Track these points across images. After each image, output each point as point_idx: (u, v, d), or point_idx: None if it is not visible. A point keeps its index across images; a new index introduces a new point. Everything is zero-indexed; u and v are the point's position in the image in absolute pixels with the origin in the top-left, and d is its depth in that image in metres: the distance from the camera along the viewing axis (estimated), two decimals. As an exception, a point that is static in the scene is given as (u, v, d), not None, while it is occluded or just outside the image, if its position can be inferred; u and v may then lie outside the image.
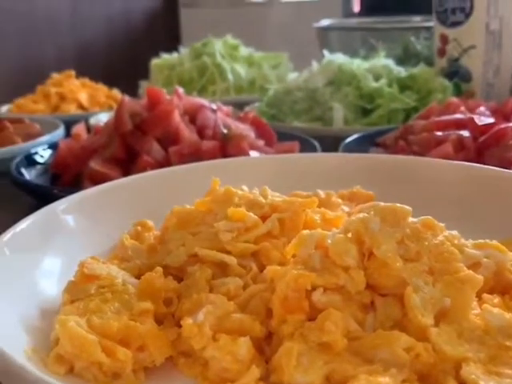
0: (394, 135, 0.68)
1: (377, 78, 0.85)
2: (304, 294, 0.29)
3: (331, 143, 0.67)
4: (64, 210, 0.41)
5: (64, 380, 0.26)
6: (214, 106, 0.66)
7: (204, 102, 0.66)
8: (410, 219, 0.31)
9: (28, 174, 0.63)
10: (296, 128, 0.79)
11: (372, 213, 0.31)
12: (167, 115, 0.60)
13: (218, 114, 0.63)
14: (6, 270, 0.32)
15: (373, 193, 0.45)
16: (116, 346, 0.28)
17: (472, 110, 0.63)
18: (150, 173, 0.49)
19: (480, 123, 0.57)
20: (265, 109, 0.90)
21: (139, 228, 0.41)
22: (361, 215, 0.31)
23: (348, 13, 2.54)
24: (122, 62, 2.62)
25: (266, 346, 0.30)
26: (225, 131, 0.60)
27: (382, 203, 0.32)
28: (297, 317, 0.29)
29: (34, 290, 0.33)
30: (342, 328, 0.28)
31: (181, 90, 0.67)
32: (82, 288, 0.32)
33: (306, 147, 0.67)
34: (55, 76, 1.12)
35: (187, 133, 0.60)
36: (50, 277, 0.34)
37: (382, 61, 0.90)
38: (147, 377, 0.29)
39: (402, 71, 0.88)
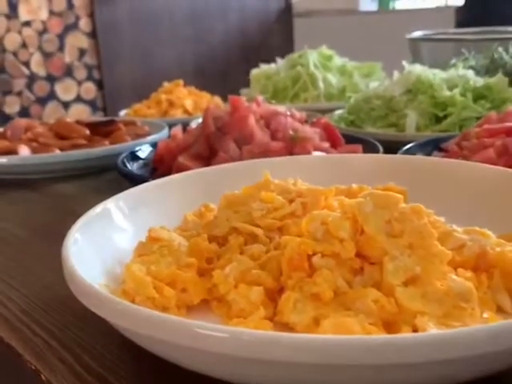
0: (454, 141, 0.74)
1: (452, 88, 0.90)
2: (305, 257, 0.37)
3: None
4: (148, 190, 0.52)
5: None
6: (288, 113, 0.75)
7: (279, 108, 0.76)
8: (401, 205, 0.39)
9: (131, 167, 0.75)
10: (369, 133, 0.87)
11: (367, 198, 0.38)
12: (244, 119, 0.70)
13: (289, 120, 0.72)
14: (98, 231, 0.44)
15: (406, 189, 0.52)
16: (164, 286, 0.38)
17: (528, 119, 0.67)
18: (220, 166, 0.59)
19: (527, 131, 0.61)
20: (345, 115, 0.98)
21: (203, 208, 0.51)
22: (358, 199, 0.38)
23: (460, 22, 2.51)
24: (237, 72, 2.76)
25: (277, 296, 0.38)
26: (292, 134, 0.69)
27: (379, 191, 0.39)
28: (299, 274, 0.37)
29: (116, 246, 0.44)
30: (331, 283, 0.36)
31: (260, 98, 0.77)
32: (148, 247, 0.42)
33: (371, 150, 0.74)
34: (166, 85, 1.27)
35: (260, 135, 0.70)
36: (131, 239, 0.45)
37: (461, 71, 0.94)
38: (188, 313, 0.39)
39: (479, 81, 0.92)
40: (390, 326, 0.34)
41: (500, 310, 0.37)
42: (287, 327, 0.35)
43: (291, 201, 0.44)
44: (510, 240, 0.40)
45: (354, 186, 0.50)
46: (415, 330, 0.33)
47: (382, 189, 0.52)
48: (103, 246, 0.42)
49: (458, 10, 2.42)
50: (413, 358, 0.27)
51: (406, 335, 0.30)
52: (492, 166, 0.54)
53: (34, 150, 0.86)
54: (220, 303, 0.39)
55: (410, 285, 0.35)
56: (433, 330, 0.32)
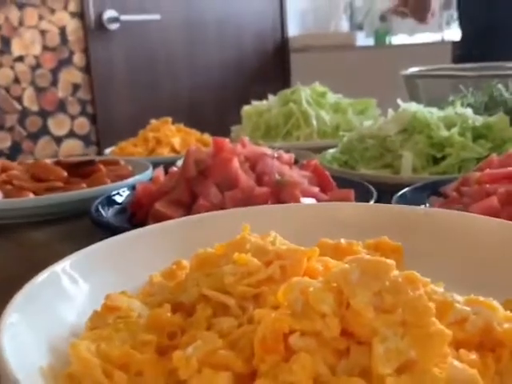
0: (454, 185, 0.69)
1: (450, 127, 0.85)
2: (281, 336, 0.32)
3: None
4: (110, 247, 0.46)
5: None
6: (275, 154, 0.70)
7: (266, 150, 0.71)
8: (394, 273, 0.33)
9: (106, 213, 0.70)
10: (363, 175, 0.82)
11: (354, 264, 0.33)
12: (227, 162, 0.65)
13: (276, 162, 0.67)
14: (45, 302, 0.38)
15: (401, 244, 0.47)
16: (114, 370, 0.32)
17: (533, 162, 0.62)
18: (197, 216, 0.54)
19: (532, 176, 0.56)
20: (338, 155, 0.93)
21: (174, 266, 0.45)
22: (343, 266, 0.33)
23: (457, 57, 2.49)
24: (232, 109, 2.72)
25: (249, 382, 0.33)
26: (278, 178, 0.64)
27: (368, 256, 0.34)
28: (273, 357, 0.31)
29: (65, 318, 0.38)
30: (310, 371, 0.30)
31: (246, 139, 0.72)
32: (103, 318, 0.37)
33: (364, 194, 0.69)
34: (154, 122, 1.22)
35: (244, 179, 0.65)
36: (84, 307, 0.40)
37: (459, 109, 0.90)
38: (144, 400, 0.33)
39: (478, 119, 0.87)
40: (380, 427, 0.28)
41: (511, 399, 0.31)
42: (258, 425, 0.29)
43: (268, 263, 0.38)
44: (517, 308, 0.35)
45: (343, 241, 0.45)
46: (410, 432, 0.27)
47: (375, 244, 0.47)
48: (50, 322, 0.37)
49: (455, 45, 2.40)
50: None
51: None
52: (497, 220, 0.49)
53: (7, 194, 0.81)
54: (182, 389, 0.33)
55: (404, 373, 0.30)
56: (432, 434, 0.27)
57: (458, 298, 0.35)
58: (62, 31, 2.48)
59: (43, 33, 2.43)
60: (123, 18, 2.59)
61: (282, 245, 0.40)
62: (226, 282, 0.37)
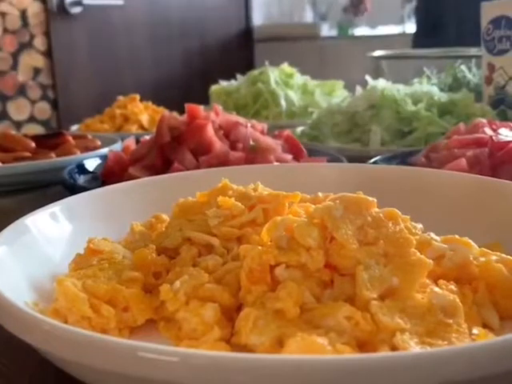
0: (423, 153, 0.71)
1: (417, 103, 0.88)
2: (267, 268, 0.32)
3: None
4: (91, 198, 0.46)
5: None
6: (249, 124, 0.71)
7: (239, 119, 0.71)
8: (375, 209, 0.34)
9: (78, 180, 0.69)
10: (333, 148, 0.83)
11: (337, 201, 0.34)
12: (201, 128, 0.66)
13: (250, 130, 0.68)
14: (29, 244, 0.38)
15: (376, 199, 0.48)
16: (102, 304, 0.32)
17: (497, 130, 0.65)
18: (174, 174, 0.54)
19: (497, 141, 0.58)
20: (308, 131, 0.94)
21: (153, 220, 0.45)
22: (326, 203, 0.34)
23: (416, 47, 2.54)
24: (196, 95, 2.69)
25: (235, 314, 0.33)
26: (253, 144, 0.65)
27: (349, 194, 0.35)
28: (260, 288, 0.32)
29: (50, 260, 0.38)
30: (296, 298, 0.31)
31: (219, 107, 0.72)
32: (86, 260, 0.37)
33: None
34: (121, 99, 1.21)
35: (218, 145, 0.65)
36: (67, 252, 0.40)
37: (425, 86, 0.92)
38: (131, 335, 0.33)
39: (444, 96, 0.90)
40: (365, 346, 0.29)
41: (485, 327, 0.32)
42: (246, 349, 0.30)
43: (251, 207, 0.39)
44: (493, 250, 0.36)
45: (321, 194, 0.46)
46: (394, 350, 0.28)
47: (350, 198, 0.48)
48: (34, 261, 0.37)
49: (414, 35, 2.46)
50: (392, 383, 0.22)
51: (384, 355, 0.25)
52: (465, 174, 0.51)
53: (-27, 163, 0.79)
54: (168, 323, 0.34)
55: (387, 298, 0.31)
56: (415, 350, 0.28)
57: (436, 236, 0.37)
58: (23, 14, 2.42)
59: (3, 15, 2.37)
60: (86, 1, 2.55)
61: (263, 191, 0.41)
62: (211, 225, 0.38)
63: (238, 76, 1.28)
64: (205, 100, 1.41)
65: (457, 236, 0.36)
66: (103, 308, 0.32)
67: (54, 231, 0.41)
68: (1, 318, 0.28)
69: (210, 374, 0.23)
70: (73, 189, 0.65)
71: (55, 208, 0.43)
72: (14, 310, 0.28)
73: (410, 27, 2.98)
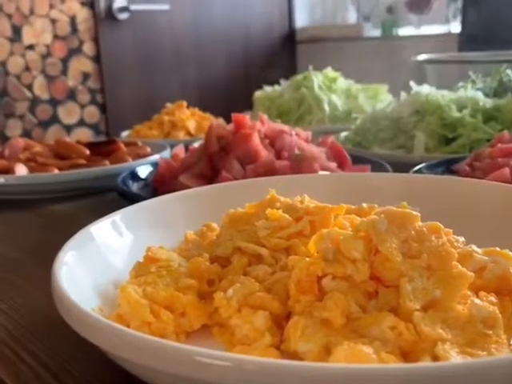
0: (466, 162, 0.71)
1: (461, 109, 0.88)
2: (315, 279, 0.34)
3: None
4: (147, 208, 0.49)
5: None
6: (293, 132, 0.73)
7: (284, 127, 0.73)
8: (418, 223, 0.36)
9: (131, 187, 0.73)
10: (377, 154, 0.84)
11: (382, 215, 0.36)
12: (248, 137, 0.68)
13: (294, 138, 0.70)
14: (92, 252, 0.41)
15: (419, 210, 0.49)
16: (161, 310, 0.35)
17: (542, 139, 0.65)
18: (223, 184, 0.57)
19: (542, 150, 0.59)
20: (352, 136, 0.95)
21: (204, 228, 0.48)
22: (371, 217, 0.36)
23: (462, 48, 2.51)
24: (240, 99, 2.71)
25: (284, 322, 0.35)
26: (298, 153, 0.67)
27: (393, 208, 0.37)
28: (307, 297, 0.34)
29: (112, 267, 0.41)
30: (342, 308, 0.33)
31: (265, 117, 0.75)
32: (145, 267, 0.40)
33: (379, 171, 0.71)
34: (169, 106, 1.25)
35: (264, 153, 0.67)
36: (127, 260, 0.42)
37: (469, 92, 0.92)
38: (187, 339, 0.36)
39: (488, 102, 0.90)
40: (407, 355, 0.31)
41: (526, 339, 0.33)
42: (295, 356, 0.32)
43: (298, 219, 0.41)
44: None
45: (365, 205, 0.48)
46: (435, 360, 0.30)
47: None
48: (98, 267, 0.40)
49: (460, 35, 2.42)
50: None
51: (427, 365, 0.27)
52: (507, 185, 0.52)
53: (32, 170, 0.84)
54: (222, 329, 0.36)
55: (430, 309, 0.32)
56: (456, 360, 0.29)
57: (477, 249, 0.38)
58: (73, 20, 2.50)
59: (54, 22, 2.45)
60: (133, 7, 2.61)
61: (310, 204, 0.43)
62: (260, 235, 0.40)
63: (282, 81, 1.30)
64: (248, 103, 1.43)
65: (498, 248, 0.38)
66: (162, 313, 0.35)
67: (115, 239, 0.44)
68: (74, 323, 0.31)
69: (261, 379, 0.25)
70: (127, 196, 0.68)
71: (116, 217, 0.46)
72: (83, 315, 0.31)
73: (455, 27, 2.94)
